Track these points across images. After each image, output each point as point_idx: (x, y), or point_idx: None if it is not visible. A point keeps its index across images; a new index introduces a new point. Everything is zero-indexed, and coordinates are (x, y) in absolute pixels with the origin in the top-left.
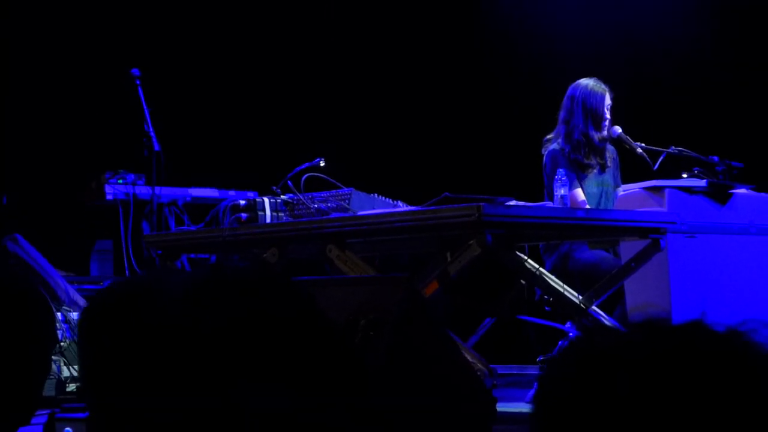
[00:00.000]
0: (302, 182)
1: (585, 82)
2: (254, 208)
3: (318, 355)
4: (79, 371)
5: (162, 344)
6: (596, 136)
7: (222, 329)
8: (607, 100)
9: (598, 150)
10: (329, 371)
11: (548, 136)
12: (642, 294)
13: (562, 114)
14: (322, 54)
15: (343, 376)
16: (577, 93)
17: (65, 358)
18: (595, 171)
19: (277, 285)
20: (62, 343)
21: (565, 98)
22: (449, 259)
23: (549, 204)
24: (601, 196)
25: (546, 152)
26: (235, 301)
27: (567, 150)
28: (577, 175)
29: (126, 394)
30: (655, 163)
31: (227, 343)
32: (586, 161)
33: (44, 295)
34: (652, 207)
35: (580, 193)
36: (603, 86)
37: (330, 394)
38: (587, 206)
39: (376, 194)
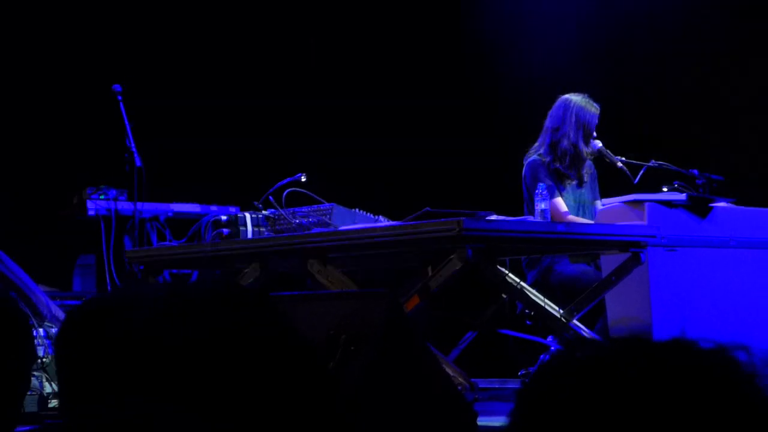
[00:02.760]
0: (284, 197)
1: (578, 96)
2: (236, 223)
3: (287, 372)
4: (57, 386)
5: (130, 359)
6: (585, 150)
7: (187, 345)
8: (596, 119)
9: (581, 163)
10: (298, 388)
11: (534, 146)
12: (623, 307)
13: (550, 123)
14: (303, 70)
15: (312, 393)
16: (572, 104)
17: (47, 374)
18: (573, 184)
19: (246, 302)
20: (44, 359)
21: (556, 108)
22: (430, 273)
23: (530, 218)
24: (578, 210)
25: (525, 163)
26: (202, 316)
27: (548, 160)
28: (556, 185)
29: (101, 407)
30: (635, 177)
31: (194, 358)
32: (566, 172)
33: (23, 310)
34: (632, 221)
35: (561, 203)
36: (595, 105)
37: (298, 411)
38: (569, 215)
39: (357, 209)
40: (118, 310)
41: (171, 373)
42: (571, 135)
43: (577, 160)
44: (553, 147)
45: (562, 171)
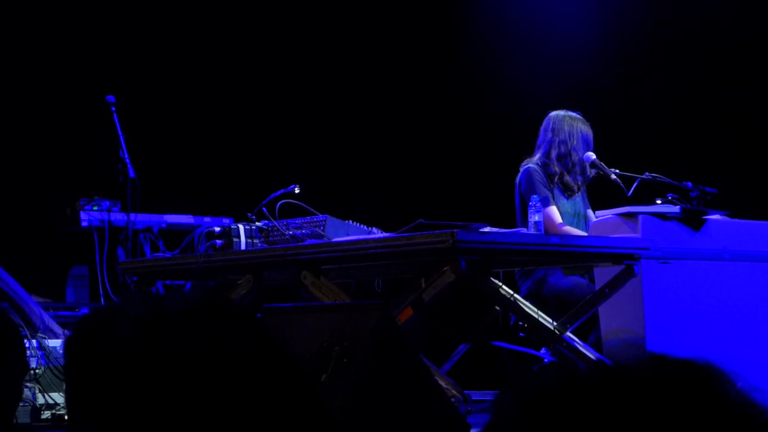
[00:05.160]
0: (277, 209)
1: (575, 114)
2: (229, 234)
3: (270, 384)
4: (65, 397)
5: (124, 371)
6: (588, 167)
7: (171, 358)
8: (592, 137)
9: (585, 177)
10: (281, 400)
11: (532, 158)
12: (616, 320)
13: (554, 136)
14: (296, 80)
15: (295, 405)
16: (575, 122)
17: (40, 385)
18: (574, 195)
19: (230, 314)
20: (37, 370)
21: (558, 122)
22: (424, 285)
23: (523, 230)
24: (573, 220)
25: (521, 170)
26: (186, 329)
27: (557, 170)
28: (552, 195)
29: (104, 418)
30: (629, 189)
31: (177, 371)
32: (572, 183)
33: (13, 321)
34: (626, 233)
35: (555, 213)
36: (588, 123)
37: (280, 422)
38: (564, 225)
39: (350, 221)
40: (112, 322)
41: (161, 385)
42: (579, 150)
43: (582, 174)
44: (561, 158)
45: (570, 182)
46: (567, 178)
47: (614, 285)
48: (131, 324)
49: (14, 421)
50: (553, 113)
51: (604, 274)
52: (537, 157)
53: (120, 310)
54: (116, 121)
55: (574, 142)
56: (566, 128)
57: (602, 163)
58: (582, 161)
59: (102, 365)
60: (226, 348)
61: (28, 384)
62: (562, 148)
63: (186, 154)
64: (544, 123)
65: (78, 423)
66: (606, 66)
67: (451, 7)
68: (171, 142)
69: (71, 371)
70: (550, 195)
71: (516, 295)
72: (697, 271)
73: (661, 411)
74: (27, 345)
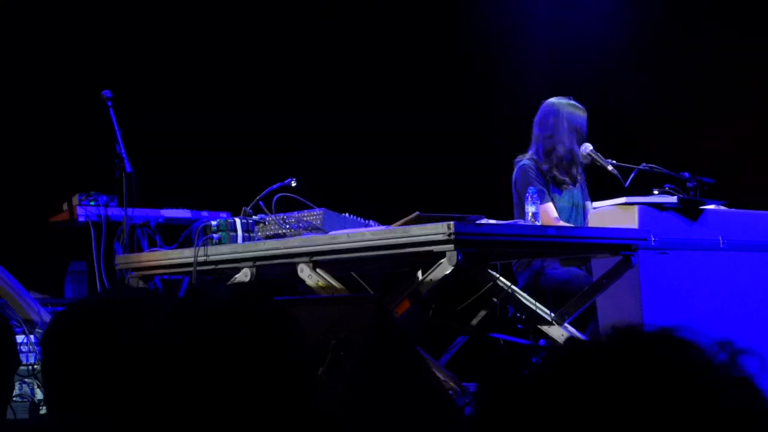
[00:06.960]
0: (274, 202)
1: (565, 100)
2: (226, 228)
3: (266, 387)
4: (45, 388)
5: (123, 366)
6: (580, 153)
7: (181, 352)
8: (585, 122)
9: (578, 167)
10: (281, 400)
11: (526, 154)
12: (614, 311)
13: (540, 130)
14: (292, 74)
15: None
16: (561, 110)
17: (38, 381)
18: (569, 187)
19: (252, 314)
20: (35, 366)
21: (544, 115)
22: (421, 277)
23: (520, 221)
24: (572, 212)
25: (516, 167)
26: (200, 324)
27: (546, 167)
28: (548, 190)
29: (93, 410)
30: (626, 180)
31: (187, 365)
32: (562, 177)
33: (4, 316)
34: (623, 224)
35: (551, 208)
36: (581, 107)
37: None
38: (559, 221)
39: (347, 214)
40: (117, 315)
41: (165, 380)
42: (566, 141)
43: (573, 164)
44: (548, 154)
45: (559, 177)
46: (555, 172)
47: (612, 276)
48: (159, 319)
49: (13, 415)
50: (545, 102)
51: (601, 265)
52: (530, 153)
53: (139, 304)
54: (112, 115)
55: (560, 136)
56: (551, 120)
57: (599, 154)
58: (571, 152)
59: (103, 358)
60: (248, 345)
61: (26, 380)
62: (548, 143)
63: (183, 149)
64: (537, 114)
65: (77, 412)
66: (603, 56)
67: None
68: (168, 137)
69: (63, 362)
70: (545, 190)
71: (513, 287)
72: (695, 261)
73: (627, 382)
74: (25, 341)
